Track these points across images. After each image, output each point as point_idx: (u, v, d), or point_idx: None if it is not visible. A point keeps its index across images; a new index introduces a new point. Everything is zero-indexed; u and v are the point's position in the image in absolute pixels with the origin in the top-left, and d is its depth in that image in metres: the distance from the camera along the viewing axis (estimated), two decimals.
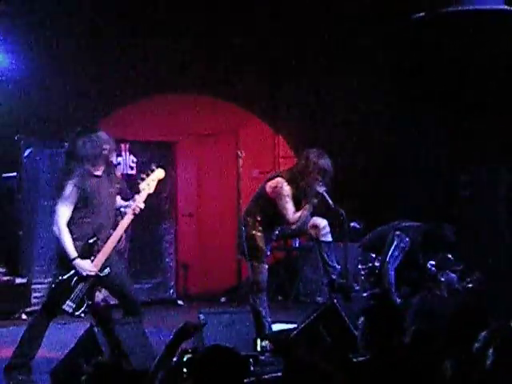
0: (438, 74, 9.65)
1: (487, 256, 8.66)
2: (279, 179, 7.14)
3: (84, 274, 6.01)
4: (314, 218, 7.35)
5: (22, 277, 9.16)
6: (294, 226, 7.16)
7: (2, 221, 9.50)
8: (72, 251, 5.99)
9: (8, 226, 9.41)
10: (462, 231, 8.50)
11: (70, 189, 6.05)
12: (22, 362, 6.08)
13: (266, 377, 5.89)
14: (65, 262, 6.04)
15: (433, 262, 7.45)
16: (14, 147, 9.36)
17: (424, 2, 8.68)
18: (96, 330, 5.84)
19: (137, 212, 6.25)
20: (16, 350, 6.14)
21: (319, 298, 9.73)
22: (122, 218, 6.31)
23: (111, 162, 6.39)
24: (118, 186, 6.46)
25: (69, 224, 6.06)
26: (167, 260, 10.42)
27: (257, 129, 11.62)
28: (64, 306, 6.02)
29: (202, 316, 6.54)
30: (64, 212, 6.05)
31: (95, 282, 6.13)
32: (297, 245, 10.58)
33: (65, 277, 6.04)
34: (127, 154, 10.03)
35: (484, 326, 4.05)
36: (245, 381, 4.44)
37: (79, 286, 6.04)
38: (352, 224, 9.31)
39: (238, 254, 7.29)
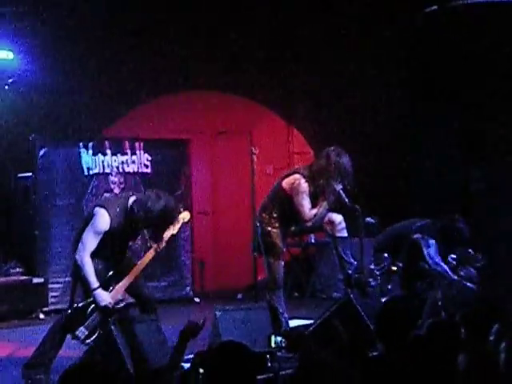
0: (451, 70, 9.61)
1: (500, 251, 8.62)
2: (297, 176, 7.12)
3: (102, 304, 6.04)
4: (330, 214, 7.34)
5: (39, 276, 9.20)
6: (309, 223, 7.16)
7: (18, 221, 9.55)
8: (94, 281, 6.02)
9: (24, 226, 9.45)
10: (476, 226, 8.46)
11: (103, 220, 6.05)
12: (41, 362, 6.11)
13: (282, 373, 5.89)
14: (84, 289, 6.09)
15: (454, 256, 7.41)
16: (30, 147, 9.40)
17: None
18: (114, 328, 5.86)
19: (159, 251, 6.31)
20: (37, 349, 6.18)
21: (335, 294, 9.72)
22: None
23: None
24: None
25: (96, 254, 6.08)
26: (183, 258, 10.42)
27: (270, 125, 11.61)
28: (77, 332, 6.05)
29: (217, 313, 6.55)
30: (92, 241, 6.05)
31: (110, 313, 6.13)
32: (312, 241, 10.56)
33: (81, 304, 6.10)
34: (142, 152, 10.04)
35: (498, 319, 4.04)
36: (262, 377, 4.45)
37: (94, 315, 6.07)
38: (367, 219, 9.29)
39: (254, 251, 7.29)
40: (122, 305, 6.17)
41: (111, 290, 6.11)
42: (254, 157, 7.53)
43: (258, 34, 10.35)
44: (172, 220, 6.25)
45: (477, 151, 9.59)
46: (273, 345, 6.46)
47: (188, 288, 10.41)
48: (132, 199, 6.20)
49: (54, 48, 9.44)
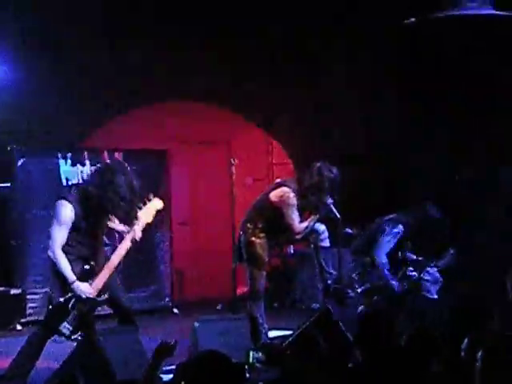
0: (441, 74, 9.68)
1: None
2: (285, 189, 7.12)
3: (83, 296, 5.99)
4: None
5: (17, 287, 9.13)
6: (299, 236, 7.16)
7: None
8: (70, 274, 5.96)
9: (1, 237, 9.39)
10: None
11: (64, 211, 6.00)
12: (18, 373, 6.06)
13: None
14: (62, 284, 6.00)
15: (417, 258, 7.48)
16: (8, 157, 9.34)
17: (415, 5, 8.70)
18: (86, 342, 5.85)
19: (133, 241, 6.24)
20: (13, 361, 6.13)
21: (315, 305, 9.74)
22: (120, 242, 6.30)
23: None
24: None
25: (66, 246, 6.02)
26: (162, 268, 10.39)
27: (250, 136, 11.63)
28: (61, 328, 5.98)
29: (196, 324, 6.54)
30: (58, 234, 6.01)
31: (93, 305, 6.10)
32: (292, 251, 10.58)
33: (62, 299, 6.01)
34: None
35: (475, 328, 4.07)
36: None
37: (76, 309, 6.00)
38: (345, 230, 9.32)
39: (235, 262, 7.29)
40: (103, 297, 6.10)
41: (91, 283, 6.04)
42: (234, 167, 7.55)
43: (240, 45, 10.36)
44: (133, 195, 6.10)
45: (465, 160, 9.67)
46: (251, 360, 6.46)
47: (167, 298, 10.38)
48: (91, 186, 6.13)
49: (31, 57, 9.41)
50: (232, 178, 7.63)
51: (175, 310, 10.32)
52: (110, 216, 6.23)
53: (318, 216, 7.15)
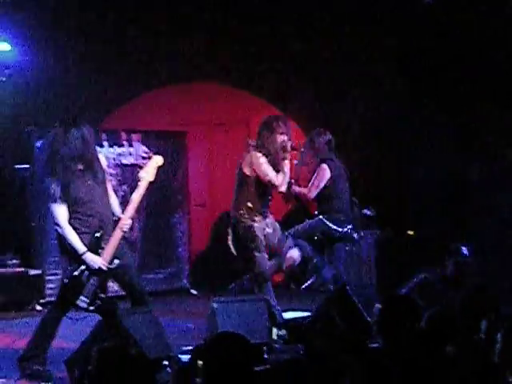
0: (447, 64, 9.60)
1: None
2: (250, 154, 7.07)
3: (95, 267, 5.98)
4: (290, 251, 7.29)
5: (36, 268, 9.19)
6: (283, 188, 7.06)
7: (15, 212, 9.53)
8: (80, 246, 5.95)
9: (21, 218, 9.45)
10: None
11: (54, 187, 5.98)
12: (36, 354, 6.09)
13: (279, 364, 5.89)
14: (74, 258, 5.99)
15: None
16: (26, 139, 9.38)
17: None
18: (105, 321, 5.87)
19: (139, 197, 6.14)
20: (30, 341, 6.16)
21: (331, 286, 9.74)
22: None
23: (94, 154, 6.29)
24: (102, 175, 6.24)
25: (72, 220, 6.01)
26: (180, 250, 10.43)
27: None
28: (78, 302, 5.96)
29: (214, 305, 6.55)
30: (59, 210, 5.99)
31: (106, 274, 6.09)
32: None
33: (76, 273, 5.98)
34: (139, 144, 10.03)
35: (491, 313, 4.06)
36: (259, 368, 4.46)
37: (91, 281, 5.99)
38: (364, 211, 9.31)
39: (235, 251, 7.26)
40: (115, 264, 6.07)
41: (102, 253, 6.02)
42: (251, 148, 7.53)
43: (256, 25, 10.32)
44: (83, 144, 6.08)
45: (474, 144, 9.60)
46: (274, 337, 6.47)
47: (185, 280, 10.42)
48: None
49: (51, 39, 9.43)
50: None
51: (193, 291, 10.36)
52: (100, 180, 6.17)
53: (286, 162, 7.00)
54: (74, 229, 5.99)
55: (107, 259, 6.03)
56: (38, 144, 9.36)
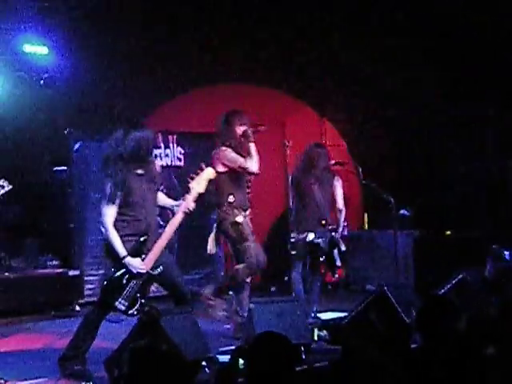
0: (485, 58, 9.52)
1: None
2: (215, 151, 7.30)
3: (134, 271, 6.02)
4: None
5: (75, 269, 9.29)
6: (255, 169, 7.16)
7: (54, 214, 9.65)
8: (121, 249, 5.99)
9: (60, 219, 9.55)
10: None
11: (110, 188, 6.04)
12: (76, 354, 6.15)
13: (317, 365, 5.91)
14: (115, 260, 6.05)
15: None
16: (64, 141, 9.48)
17: None
18: (146, 322, 5.91)
19: (187, 212, 6.22)
20: (71, 341, 6.22)
21: (369, 286, 9.72)
22: (173, 216, 6.31)
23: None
24: (157, 181, 6.38)
25: (119, 222, 6.06)
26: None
27: (303, 118, 11.59)
28: (117, 304, 6.00)
29: (252, 305, 6.57)
30: (109, 212, 6.05)
31: (147, 279, 6.12)
32: (345, 233, 10.53)
33: (116, 274, 6.03)
34: (175, 145, 10.08)
35: None
36: (297, 369, 4.47)
37: (131, 284, 6.01)
38: (401, 212, 9.27)
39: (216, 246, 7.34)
40: (158, 271, 6.11)
41: (144, 258, 6.06)
42: (287, 149, 7.55)
43: (291, 26, 10.33)
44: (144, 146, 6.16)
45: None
46: (315, 338, 6.48)
47: (221, 281, 10.42)
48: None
49: (88, 42, 9.50)
50: (286, 160, 7.63)
51: (230, 292, 10.38)
52: (153, 186, 6.26)
53: (252, 144, 7.16)
54: (121, 231, 6.03)
55: (149, 265, 6.06)
56: (76, 146, 9.45)
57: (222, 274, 10.46)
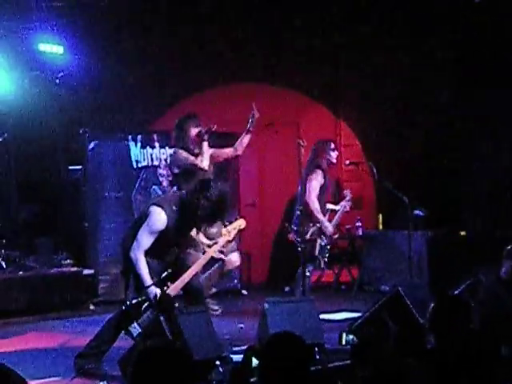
0: (503, 57, 9.46)
1: None
2: (171, 154, 7.69)
3: (154, 302, 6.00)
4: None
5: (89, 268, 9.30)
6: (203, 165, 7.32)
7: (68, 213, 9.68)
8: (147, 278, 5.98)
9: (74, 218, 9.57)
10: None
11: (159, 222, 6.03)
12: (94, 353, 6.17)
13: (331, 365, 5.89)
14: (138, 286, 6.05)
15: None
16: (79, 140, 9.50)
17: None
18: (162, 318, 5.92)
19: (216, 256, 6.41)
20: (91, 340, 6.24)
21: (383, 287, 9.69)
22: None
23: None
24: None
25: (148, 249, 6.05)
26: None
27: (318, 117, 11.58)
28: (130, 328, 5.99)
29: (266, 305, 6.57)
30: (146, 242, 6.02)
31: (164, 309, 6.09)
32: (360, 233, 10.53)
33: (135, 301, 6.03)
34: None
35: None
36: (311, 369, 4.45)
37: (148, 312, 6.01)
38: (415, 212, 9.24)
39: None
40: (176, 304, 6.14)
41: (166, 289, 6.07)
42: (302, 149, 7.55)
43: (306, 26, 10.33)
44: (226, 205, 6.23)
45: None
46: (343, 342, 6.48)
47: (235, 280, 10.43)
48: (184, 192, 6.24)
49: (103, 42, 9.54)
50: (300, 160, 7.63)
51: (244, 292, 10.39)
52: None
53: (205, 144, 7.38)
54: (148, 258, 6.02)
55: (172, 294, 6.09)
56: (91, 145, 9.47)
57: (237, 273, 10.46)
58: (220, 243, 6.43)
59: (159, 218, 6.00)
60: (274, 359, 3.44)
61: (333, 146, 8.61)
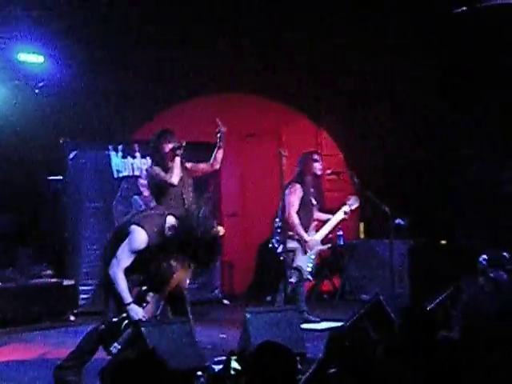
0: (486, 71, 9.52)
1: None
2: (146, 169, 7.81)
3: (136, 318, 5.95)
4: None
5: (69, 278, 9.25)
6: (172, 181, 7.33)
7: (48, 223, 9.62)
8: (127, 296, 5.95)
9: (54, 229, 9.52)
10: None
11: (140, 241, 6.00)
12: (74, 365, 6.11)
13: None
14: (118, 304, 6.00)
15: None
16: (60, 150, 9.46)
17: None
18: (143, 329, 5.88)
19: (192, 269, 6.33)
20: (72, 352, 6.18)
21: (365, 296, 9.70)
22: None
23: None
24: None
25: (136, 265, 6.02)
26: None
27: (299, 127, 11.60)
28: (111, 348, 5.92)
29: (247, 315, 6.55)
30: (127, 260, 5.99)
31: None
32: (342, 242, 10.54)
33: (114, 320, 5.99)
34: None
35: None
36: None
37: (128, 330, 5.96)
38: (397, 221, 9.26)
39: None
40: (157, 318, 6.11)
41: (145, 306, 6.05)
42: (283, 158, 7.55)
43: (287, 36, 10.35)
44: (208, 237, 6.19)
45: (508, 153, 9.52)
46: None
47: (217, 290, 10.42)
48: (170, 219, 6.13)
49: (83, 51, 9.51)
50: (282, 170, 7.63)
51: (225, 302, 10.37)
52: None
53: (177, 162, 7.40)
54: (127, 276, 5.99)
55: (150, 313, 6.05)
56: (72, 155, 9.44)
57: (219, 283, 10.45)
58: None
59: (140, 238, 5.97)
60: (262, 369, 3.42)
61: (316, 156, 8.64)
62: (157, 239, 6.03)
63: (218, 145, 7.76)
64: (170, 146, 7.48)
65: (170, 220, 6.12)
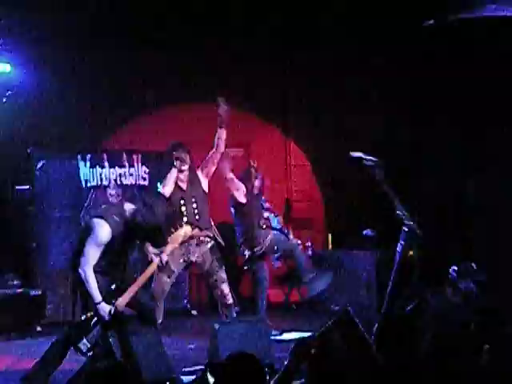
0: (450, 86, 9.61)
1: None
2: None
3: (106, 318, 5.99)
4: None
5: (36, 289, 9.18)
6: (166, 192, 7.55)
7: (15, 233, 9.54)
8: (97, 295, 5.96)
9: (21, 238, 9.44)
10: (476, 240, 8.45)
11: (103, 233, 6.00)
12: (39, 376, 6.08)
13: None
14: (86, 302, 6.04)
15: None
16: (27, 159, 9.40)
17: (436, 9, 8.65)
18: (111, 339, 5.87)
19: (160, 264, 6.51)
20: (37, 362, 6.16)
21: (333, 306, 9.73)
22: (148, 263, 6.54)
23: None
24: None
25: (98, 263, 6.04)
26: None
27: (268, 139, 11.63)
28: (80, 345, 5.96)
29: (216, 325, 6.55)
30: (95, 254, 6.00)
31: (113, 325, 6.10)
32: (310, 253, 10.56)
33: (83, 318, 6.01)
34: (139, 164, 10.05)
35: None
36: None
37: (97, 328, 6.00)
38: (365, 232, 9.31)
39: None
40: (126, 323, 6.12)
41: (114, 303, 6.06)
42: (253, 169, 7.58)
43: (257, 47, 10.39)
44: (174, 226, 6.31)
45: (474, 161, 9.61)
46: None
47: (185, 301, 10.39)
48: (129, 206, 6.14)
49: (51, 60, 9.47)
50: (251, 180, 7.65)
51: (193, 312, 10.34)
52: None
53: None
54: (96, 273, 5.99)
55: (119, 309, 6.07)
56: (39, 165, 9.38)
57: (186, 293, 10.43)
58: (167, 251, 6.49)
59: (103, 230, 5.97)
60: (233, 380, 3.42)
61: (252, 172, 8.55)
62: (121, 228, 6.01)
63: (219, 125, 7.74)
64: (174, 157, 7.63)
65: (128, 206, 6.12)
